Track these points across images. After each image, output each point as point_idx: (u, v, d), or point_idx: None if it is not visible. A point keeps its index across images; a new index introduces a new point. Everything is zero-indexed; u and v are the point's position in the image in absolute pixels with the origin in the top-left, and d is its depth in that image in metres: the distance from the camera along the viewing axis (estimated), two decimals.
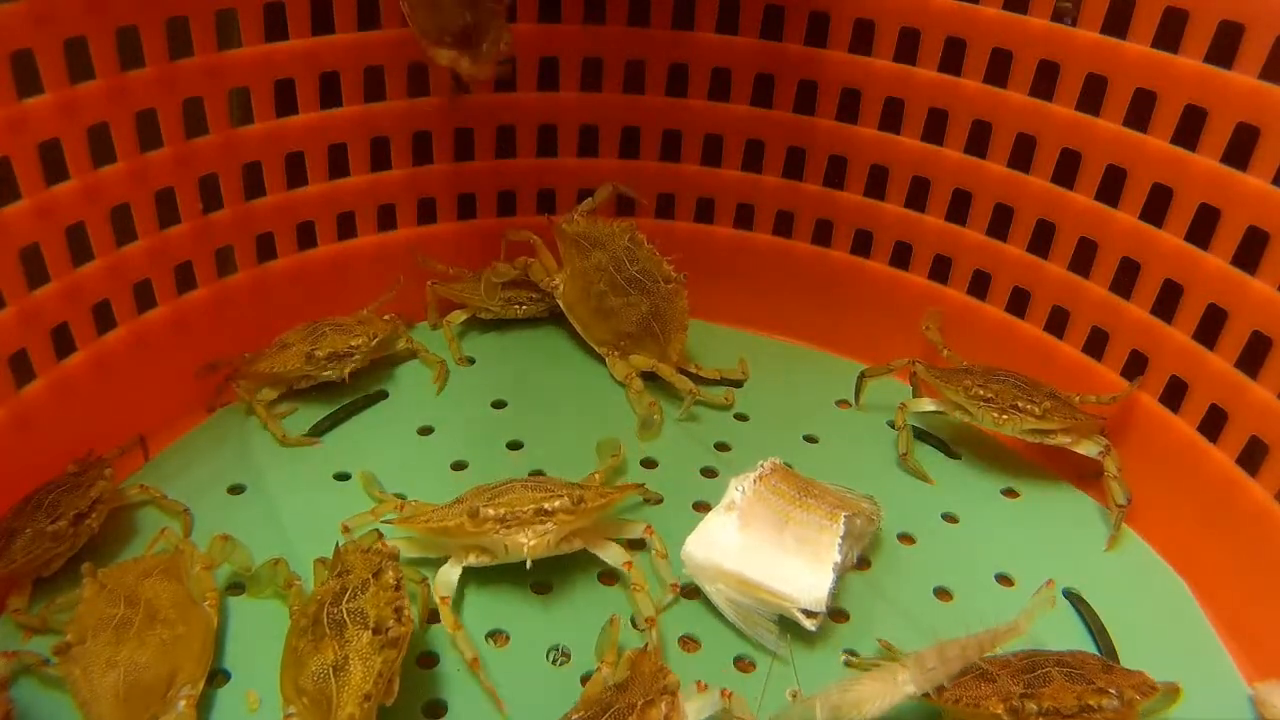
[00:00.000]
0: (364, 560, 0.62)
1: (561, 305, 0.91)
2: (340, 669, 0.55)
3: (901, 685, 0.58)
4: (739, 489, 0.71)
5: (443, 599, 0.65)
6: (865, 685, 0.58)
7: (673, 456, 0.82)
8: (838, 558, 0.67)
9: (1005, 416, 0.79)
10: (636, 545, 0.72)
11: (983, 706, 0.56)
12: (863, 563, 0.73)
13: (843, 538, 0.68)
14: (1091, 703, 0.55)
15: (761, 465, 0.74)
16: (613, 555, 0.69)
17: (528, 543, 0.65)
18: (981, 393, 0.80)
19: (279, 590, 0.66)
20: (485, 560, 0.68)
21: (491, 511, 0.65)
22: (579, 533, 0.69)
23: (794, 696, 0.60)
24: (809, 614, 0.65)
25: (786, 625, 0.66)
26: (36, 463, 0.71)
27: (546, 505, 0.66)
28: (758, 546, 0.67)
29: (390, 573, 0.59)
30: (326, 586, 0.61)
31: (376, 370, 0.89)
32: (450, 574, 0.68)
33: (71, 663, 0.58)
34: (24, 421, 0.71)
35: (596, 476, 0.76)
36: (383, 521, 0.71)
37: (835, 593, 0.67)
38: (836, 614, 0.69)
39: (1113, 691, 0.56)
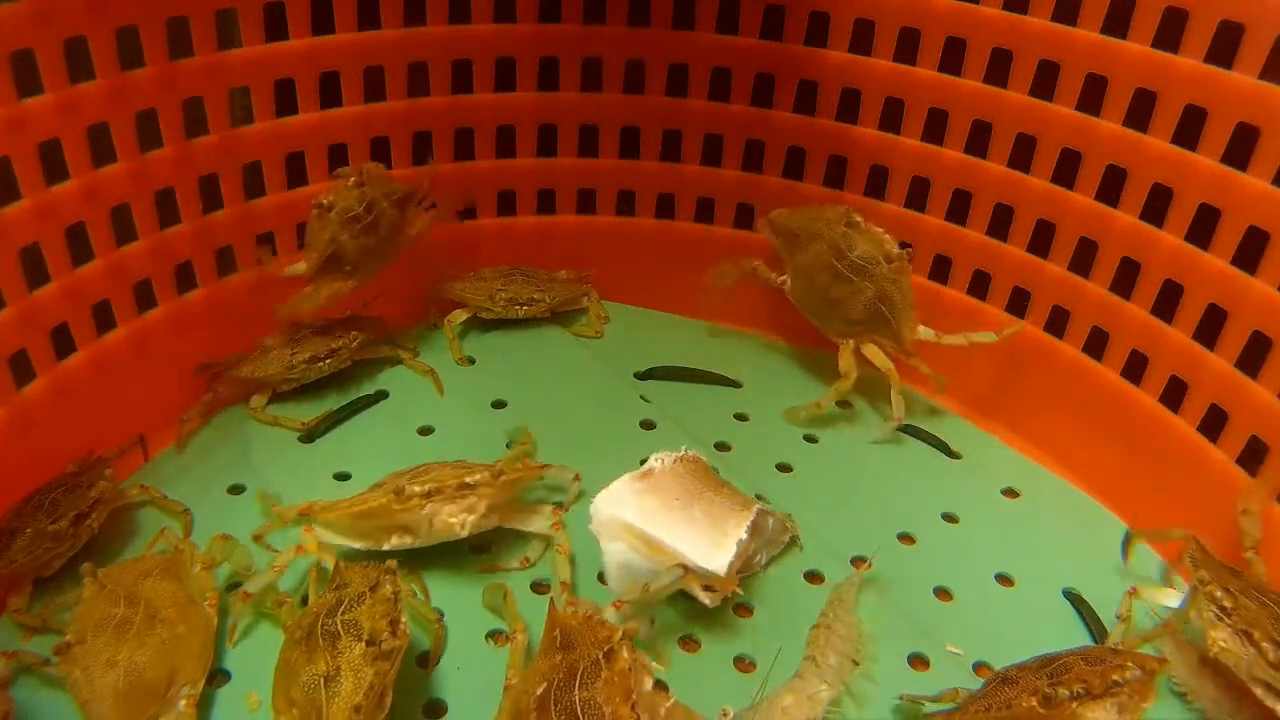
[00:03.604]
0: (362, 574, 0.62)
1: (794, 302, 0.89)
2: (331, 680, 0.55)
3: (822, 693, 0.60)
4: (659, 460, 0.72)
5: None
6: (786, 699, 0.60)
7: None
8: (743, 536, 0.67)
9: (1237, 640, 0.60)
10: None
11: (1014, 705, 0.56)
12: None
13: (752, 522, 0.68)
14: (1115, 677, 0.55)
15: (685, 450, 0.74)
16: (537, 524, 0.72)
17: (457, 521, 0.67)
18: (1223, 600, 0.61)
19: (270, 607, 0.66)
20: (408, 542, 0.68)
21: (417, 488, 0.66)
22: (496, 509, 0.70)
23: (725, 716, 0.59)
24: (708, 589, 0.65)
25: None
26: (36, 463, 0.72)
27: (468, 479, 0.67)
28: (667, 510, 0.68)
29: (388, 586, 0.59)
30: (323, 599, 0.61)
31: (376, 370, 0.89)
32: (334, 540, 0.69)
33: (71, 663, 0.58)
34: (24, 421, 0.71)
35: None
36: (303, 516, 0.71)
37: (743, 576, 0.68)
38: None
39: (1131, 663, 0.56)
